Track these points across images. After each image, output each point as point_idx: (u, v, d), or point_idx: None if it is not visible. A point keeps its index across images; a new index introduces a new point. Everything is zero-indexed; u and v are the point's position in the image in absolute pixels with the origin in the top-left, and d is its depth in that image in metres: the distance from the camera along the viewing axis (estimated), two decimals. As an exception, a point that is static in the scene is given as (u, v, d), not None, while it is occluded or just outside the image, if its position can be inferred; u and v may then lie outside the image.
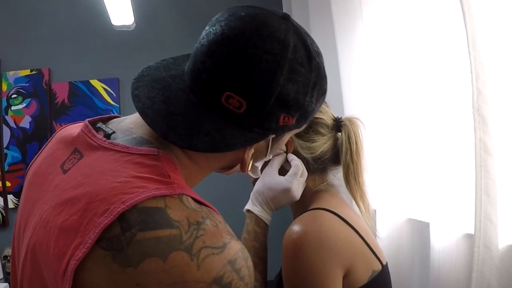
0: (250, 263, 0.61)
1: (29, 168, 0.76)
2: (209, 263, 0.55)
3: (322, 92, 0.72)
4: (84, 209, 0.56)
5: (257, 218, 1.01)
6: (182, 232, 0.55)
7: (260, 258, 0.98)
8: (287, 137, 0.79)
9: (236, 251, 0.58)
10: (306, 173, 1.04)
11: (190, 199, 0.60)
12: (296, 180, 1.01)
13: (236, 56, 0.63)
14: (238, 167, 0.76)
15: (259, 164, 0.92)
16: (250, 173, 0.87)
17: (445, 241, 1.23)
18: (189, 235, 0.55)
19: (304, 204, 1.05)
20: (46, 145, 0.76)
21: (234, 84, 0.63)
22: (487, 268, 1.05)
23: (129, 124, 0.70)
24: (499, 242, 1.05)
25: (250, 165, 0.74)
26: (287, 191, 1.01)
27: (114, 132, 0.68)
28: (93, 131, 0.68)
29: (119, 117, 0.76)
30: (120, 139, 0.66)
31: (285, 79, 0.63)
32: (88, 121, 0.71)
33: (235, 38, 0.63)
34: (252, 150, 0.72)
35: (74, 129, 0.72)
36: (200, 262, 0.54)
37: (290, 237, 0.92)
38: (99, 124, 0.70)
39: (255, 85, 0.63)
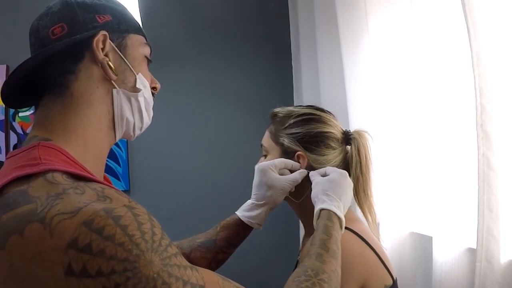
0: (127, 222, 0.55)
1: None
2: (60, 228, 0.52)
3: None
4: None
5: (329, 213, 0.92)
6: (38, 205, 0.55)
7: (327, 250, 0.84)
8: (132, 45, 0.81)
9: (94, 212, 0.54)
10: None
11: (59, 174, 0.60)
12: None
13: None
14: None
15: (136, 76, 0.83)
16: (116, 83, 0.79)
17: (448, 255, 1.23)
18: (44, 206, 0.54)
19: None
20: None
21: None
22: (489, 282, 1.05)
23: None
24: (501, 257, 1.05)
25: (111, 68, 0.76)
26: (344, 176, 0.99)
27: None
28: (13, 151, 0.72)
29: None
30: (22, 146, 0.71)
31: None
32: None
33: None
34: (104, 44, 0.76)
35: None
36: (52, 229, 0.52)
37: None
38: None
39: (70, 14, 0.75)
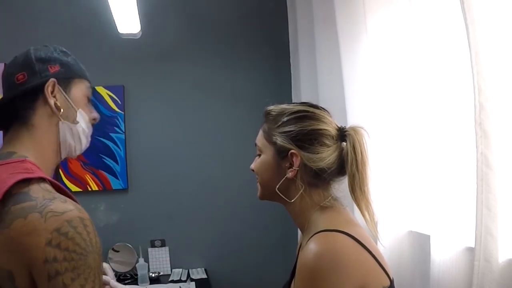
0: (83, 230, 0.84)
1: None
2: (51, 219, 0.82)
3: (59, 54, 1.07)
4: None
5: None
6: (37, 203, 0.84)
7: None
8: (74, 88, 1.06)
9: (74, 217, 0.84)
10: None
11: (47, 185, 0.90)
12: None
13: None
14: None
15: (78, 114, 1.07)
16: (68, 122, 1.04)
17: (446, 254, 1.23)
18: (42, 204, 0.84)
19: (311, 221, 1.05)
20: None
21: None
22: (487, 281, 1.05)
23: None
24: (499, 256, 1.05)
25: (60, 109, 1.01)
26: None
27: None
28: None
29: None
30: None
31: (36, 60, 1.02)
32: None
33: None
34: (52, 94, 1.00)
35: None
36: (46, 218, 0.82)
37: (306, 259, 0.92)
38: None
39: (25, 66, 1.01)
